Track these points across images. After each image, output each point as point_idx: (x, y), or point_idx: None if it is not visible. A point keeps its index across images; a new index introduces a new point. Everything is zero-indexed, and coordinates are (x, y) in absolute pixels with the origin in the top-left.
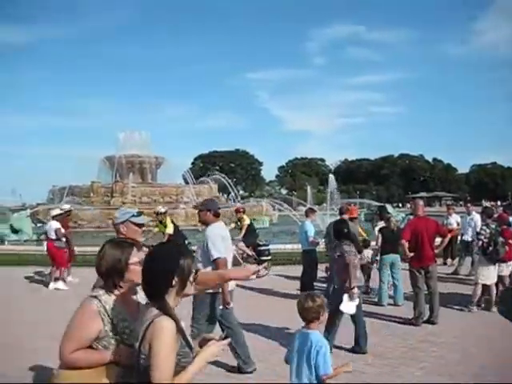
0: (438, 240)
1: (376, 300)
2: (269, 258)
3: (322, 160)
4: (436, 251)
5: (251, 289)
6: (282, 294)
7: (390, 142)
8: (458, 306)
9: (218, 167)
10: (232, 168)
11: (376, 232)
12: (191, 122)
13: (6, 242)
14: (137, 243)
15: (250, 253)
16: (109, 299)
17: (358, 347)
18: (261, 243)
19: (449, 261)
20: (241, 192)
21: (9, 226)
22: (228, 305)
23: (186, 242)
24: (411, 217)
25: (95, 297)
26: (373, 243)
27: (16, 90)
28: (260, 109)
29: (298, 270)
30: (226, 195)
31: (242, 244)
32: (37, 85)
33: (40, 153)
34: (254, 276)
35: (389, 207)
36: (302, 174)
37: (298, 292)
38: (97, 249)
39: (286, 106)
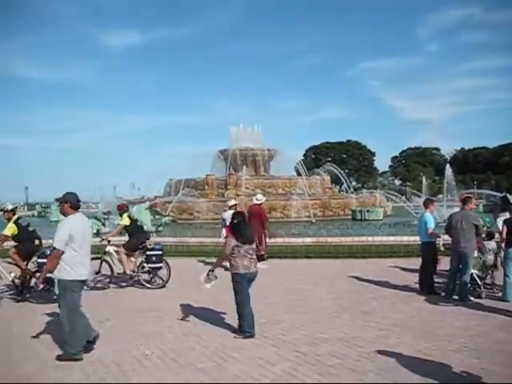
0: None
1: (500, 295)
2: (159, 265)
3: (437, 149)
4: None
5: (368, 281)
6: (401, 286)
7: (510, 129)
8: None
9: (330, 158)
10: (344, 159)
11: (498, 224)
12: (303, 113)
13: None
14: None
15: (129, 270)
16: None
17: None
18: (149, 247)
19: None
20: (353, 183)
21: None
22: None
23: (37, 242)
24: None
25: None
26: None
27: (133, 90)
28: (372, 98)
29: (415, 263)
30: (338, 186)
31: (125, 258)
32: (151, 84)
33: (157, 148)
34: None
35: None
36: (416, 164)
37: (417, 285)
38: (213, 240)
39: (399, 95)
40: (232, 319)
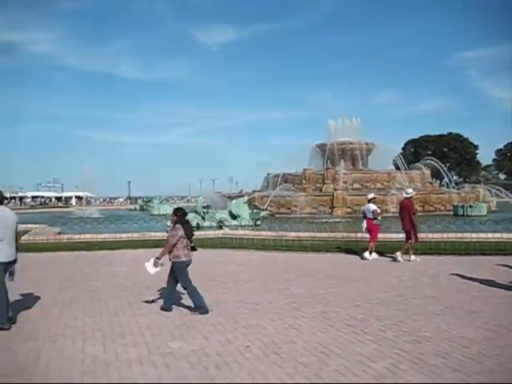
0: None
1: None
2: None
3: None
4: None
5: (473, 279)
6: (509, 286)
7: None
8: None
9: (429, 152)
10: (445, 152)
11: None
12: (401, 106)
13: (227, 229)
14: None
15: None
16: None
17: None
18: None
19: None
20: (454, 177)
21: (228, 212)
22: None
23: None
24: None
25: None
26: None
27: (231, 86)
28: (474, 89)
29: None
30: (438, 181)
31: None
32: (248, 80)
33: (255, 142)
34: None
35: None
36: None
37: None
38: (312, 234)
39: (502, 85)
40: (333, 314)
